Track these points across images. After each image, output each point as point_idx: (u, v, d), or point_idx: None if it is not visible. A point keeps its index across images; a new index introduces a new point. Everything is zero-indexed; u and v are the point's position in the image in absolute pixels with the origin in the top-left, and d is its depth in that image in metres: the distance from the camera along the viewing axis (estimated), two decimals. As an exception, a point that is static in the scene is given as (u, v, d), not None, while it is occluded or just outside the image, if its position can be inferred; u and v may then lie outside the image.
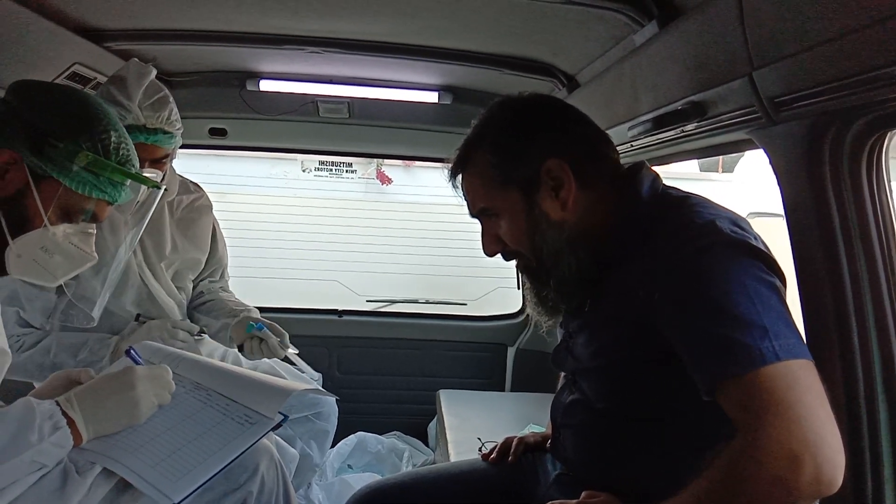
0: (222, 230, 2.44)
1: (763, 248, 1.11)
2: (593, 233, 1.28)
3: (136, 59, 1.92)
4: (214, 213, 2.38)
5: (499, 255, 1.40)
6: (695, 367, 1.05)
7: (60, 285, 1.75)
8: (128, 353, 1.48)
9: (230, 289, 2.47)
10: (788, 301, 1.07)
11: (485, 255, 1.40)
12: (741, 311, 1.00)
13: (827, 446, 0.91)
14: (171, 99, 1.91)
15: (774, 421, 0.92)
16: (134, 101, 1.83)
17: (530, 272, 1.35)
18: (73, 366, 1.82)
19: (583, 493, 1.23)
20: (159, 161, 1.94)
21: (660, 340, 1.12)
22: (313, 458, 2.41)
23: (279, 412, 1.40)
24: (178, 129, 1.94)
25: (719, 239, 1.08)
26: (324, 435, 2.45)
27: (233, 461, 1.31)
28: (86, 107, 1.33)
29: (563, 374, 1.50)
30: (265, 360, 2.37)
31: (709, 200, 1.23)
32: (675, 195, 1.28)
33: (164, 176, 1.98)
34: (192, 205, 2.25)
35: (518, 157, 1.27)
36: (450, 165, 1.38)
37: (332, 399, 2.43)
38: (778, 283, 1.07)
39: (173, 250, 2.16)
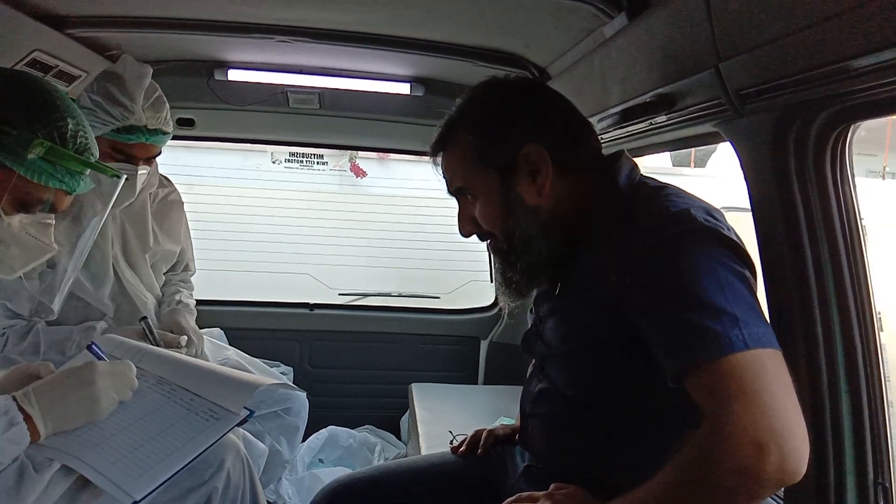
0: (189, 222, 2.43)
1: (735, 238, 1.11)
2: (568, 219, 1.29)
3: (130, 58, 1.95)
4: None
5: (473, 241, 1.40)
6: (663, 353, 1.06)
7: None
8: (89, 348, 1.44)
9: (191, 280, 2.47)
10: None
11: (460, 241, 1.42)
12: (711, 298, 1.01)
13: (792, 436, 0.92)
14: (165, 97, 1.97)
15: (741, 409, 0.93)
16: (137, 102, 1.88)
17: (500, 254, 1.35)
18: (62, 362, 1.81)
19: (551, 486, 1.23)
20: (151, 158, 2.01)
21: (629, 326, 1.12)
22: (283, 455, 2.39)
23: (245, 407, 1.38)
24: (171, 128, 2.00)
25: (692, 227, 1.09)
26: (294, 430, 2.43)
27: (196, 458, 1.29)
28: (41, 94, 1.29)
29: (532, 363, 1.50)
30: (232, 355, 2.35)
31: (684, 191, 1.23)
32: (651, 185, 1.28)
33: (150, 171, 2.04)
34: (165, 198, 2.29)
35: (497, 140, 1.28)
36: (431, 144, 1.37)
37: (302, 394, 2.41)
38: (748, 274, 1.08)
39: (155, 242, 2.18)
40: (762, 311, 1.04)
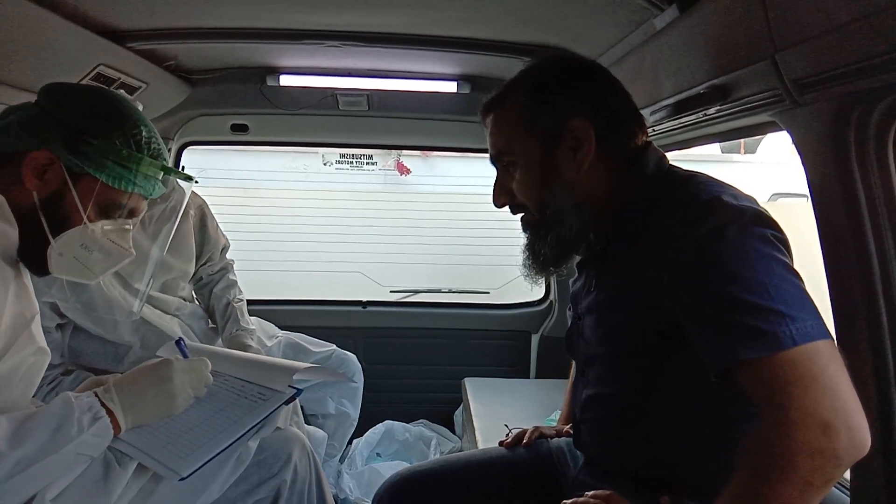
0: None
1: (766, 212, 1.10)
2: (598, 203, 1.30)
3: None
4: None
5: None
6: (707, 351, 1.05)
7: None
8: (177, 343, 1.52)
9: (228, 262, 2.53)
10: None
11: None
12: (756, 296, 0.99)
13: (854, 411, 0.93)
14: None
15: (800, 394, 0.93)
16: None
17: (532, 226, 1.36)
18: None
19: (588, 493, 1.23)
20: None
21: (669, 324, 1.12)
22: (350, 415, 2.62)
23: (290, 385, 1.45)
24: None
25: (729, 218, 1.07)
26: (353, 392, 2.65)
27: (243, 435, 1.35)
28: (115, 104, 1.36)
29: (573, 366, 1.49)
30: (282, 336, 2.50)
31: (714, 178, 1.22)
32: (680, 173, 1.28)
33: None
34: (162, 214, 2.15)
35: (548, 106, 1.28)
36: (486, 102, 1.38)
37: (352, 356, 2.63)
38: (785, 251, 1.07)
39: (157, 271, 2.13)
40: (809, 297, 1.02)
